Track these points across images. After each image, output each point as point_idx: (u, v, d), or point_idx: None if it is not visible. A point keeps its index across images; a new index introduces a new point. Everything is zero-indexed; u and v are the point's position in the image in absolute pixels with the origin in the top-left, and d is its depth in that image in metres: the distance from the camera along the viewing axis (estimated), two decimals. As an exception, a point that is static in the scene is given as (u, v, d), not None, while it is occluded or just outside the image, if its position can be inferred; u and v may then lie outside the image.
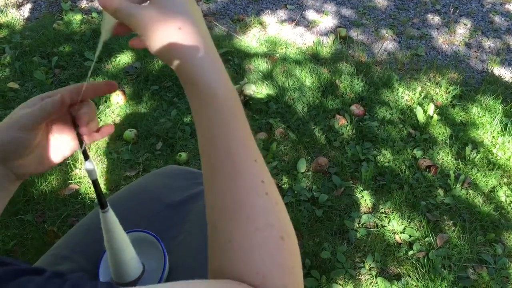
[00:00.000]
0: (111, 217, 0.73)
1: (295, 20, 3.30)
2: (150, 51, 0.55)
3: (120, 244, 0.76)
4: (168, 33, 0.52)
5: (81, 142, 0.68)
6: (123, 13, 0.53)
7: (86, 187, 2.05)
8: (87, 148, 0.69)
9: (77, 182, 2.07)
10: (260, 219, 0.52)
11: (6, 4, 3.28)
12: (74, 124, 0.68)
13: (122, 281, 0.80)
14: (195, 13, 0.55)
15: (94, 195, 2.01)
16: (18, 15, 3.22)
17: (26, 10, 3.29)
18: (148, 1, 0.54)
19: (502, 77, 2.93)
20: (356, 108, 2.49)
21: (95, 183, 0.69)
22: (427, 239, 1.92)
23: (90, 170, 0.67)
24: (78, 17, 3.13)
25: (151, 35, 0.53)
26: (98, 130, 0.71)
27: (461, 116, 2.54)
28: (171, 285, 0.48)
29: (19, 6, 3.31)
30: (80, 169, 2.13)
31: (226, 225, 0.52)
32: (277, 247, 0.51)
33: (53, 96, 0.64)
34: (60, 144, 0.69)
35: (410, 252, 1.87)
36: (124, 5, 0.53)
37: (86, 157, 0.67)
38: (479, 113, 2.56)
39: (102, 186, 2.05)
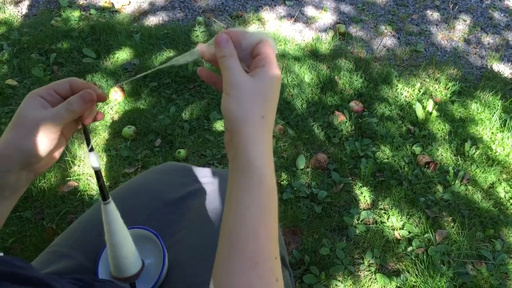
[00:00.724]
0: (113, 210, 0.73)
1: (294, 16, 3.29)
2: (222, 105, 0.56)
3: (120, 237, 0.76)
4: (252, 111, 0.54)
5: (87, 135, 0.68)
6: (227, 64, 0.55)
7: (85, 184, 2.05)
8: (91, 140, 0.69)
9: (76, 179, 2.07)
10: None
11: (4, 1, 3.27)
12: (85, 128, 0.68)
13: (121, 276, 0.80)
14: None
15: (92, 192, 2.01)
16: (16, 12, 3.21)
17: (24, 6, 3.28)
18: (250, 75, 0.56)
19: (501, 73, 2.93)
20: (355, 105, 2.49)
21: (98, 174, 0.69)
22: (426, 235, 1.91)
23: (94, 161, 0.67)
24: (76, 13, 3.12)
25: (235, 100, 0.54)
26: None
27: (460, 112, 2.54)
28: None
29: (17, 2, 3.30)
30: (78, 166, 2.12)
31: None
32: None
33: (74, 94, 0.63)
34: (64, 137, 0.68)
35: (409, 248, 1.87)
36: (233, 59, 0.56)
37: (91, 148, 0.68)
38: (478, 109, 2.56)
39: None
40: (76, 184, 2.05)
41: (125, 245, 0.79)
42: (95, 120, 0.69)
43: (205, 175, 1.10)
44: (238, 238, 0.53)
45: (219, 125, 2.35)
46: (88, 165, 2.13)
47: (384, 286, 1.75)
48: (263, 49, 0.57)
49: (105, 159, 2.16)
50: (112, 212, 0.74)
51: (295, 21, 3.27)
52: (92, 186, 2.04)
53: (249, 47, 0.58)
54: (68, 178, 2.07)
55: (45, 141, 0.60)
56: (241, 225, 0.53)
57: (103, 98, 0.66)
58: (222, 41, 0.56)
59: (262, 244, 0.53)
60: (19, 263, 0.53)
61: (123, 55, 2.78)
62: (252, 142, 0.54)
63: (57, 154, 0.67)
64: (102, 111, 2.39)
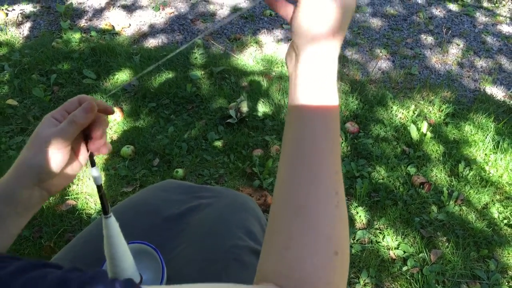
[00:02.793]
0: (113, 223, 0.75)
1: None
2: (290, 20, 0.57)
3: (119, 251, 0.78)
4: (325, 27, 0.54)
5: (91, 154, 0.71)
6: None
7: (83, 203, 2.06)
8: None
9: (74, 198, 2.09)
10: (323, 229, 0.52)
11: (6, 23, 3.33)
12: (84, 133, 0.70)
13: (120, 290, 0.81)
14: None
15: (91, 211, 2.03)
16: (18, 34, 3.27)
17: (25, 28, 3.33)
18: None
19: (494, 96, 2.98)
20: (351, 126, 2.53)
21: (99, 188, 0.72)
22: (421, 255, 1.93)
23: (96, 177, 0.70)
24: (77, 35, 3.17)
25: (307, 15, 0.54)
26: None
27: (454, 134, 2.58)
28: (204, 287, 0.49)
29: (18, 24, 3.36)
30: (77, 185, 2.14)
31: (289, 227, 0.52)
32: (330, 261, 0.51)
33: (80, 109, 0.66)
34: (75, 155, 0.72)
35: (404, 268, 1.88)
36: None
37: (93, 163, 0.71)
38: (471, 131, 2.60)
39: (99, 202, 2.06)
40: (74, 202, 2.06)
41: (124, 259, 0.81)
42: (99, 152, 0.72)
43: (203, 192, 1.12)
44: (303, 153, 0.55)
45: (216, 145, 2.38)
46: (86, 184, 2.15)
47: (379, 306, 1.76)
48: None
49: (103, 178, 2.18)
50: (113, 226, 0.76)
51: (292, 44, 3.32)
52: (90, 205, 2.06)
53: None
54: (66, 197, 2.08)
55: (55, 156, 0.63)
56: (307, 140, 0.55)
57: (110, 111, 0.70)
58: None
59: (327, 160, 0.54)
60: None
61: (122, 76, 2.83)
62: (320, 61, 0.57)
63: (70, 175, 0.71)
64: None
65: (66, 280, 0.40)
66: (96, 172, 0.70)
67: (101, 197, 0.73)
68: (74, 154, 0.71)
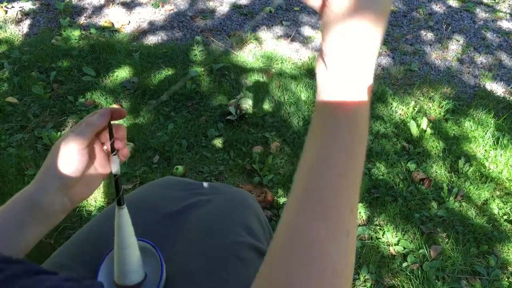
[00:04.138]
0: (126, 215, 0.77)
1: (290, 36, 3.35)
2: (328, 10, 0.49)
3: (130, 243, 0.79)
4: (364, 18, 0.48)
5: (112, 137, 0.74)
6: None
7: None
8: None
9: (75, 195, 2.08)
10: (327, 264, 0.47)
11: (5, 20, 3.32)
12: (111, 133, 0.73)
13: (124, 283, 0.82)
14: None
15: (91, 208, 2.03)
16: (17, 31, 3.26)
17: (25, 26, 3.33)
18: None
19: (494, 92, 2.98)
20: (350, 122, 2.52)
21: (117, 178, 0.74)
22: (421, 251, 1.93)
23: (116, 166, 0.73)
24: (76, 33, 3.17)
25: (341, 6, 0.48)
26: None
27: (454, 130, 2.58)
28: None
29: (18, 22, 3.35)
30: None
31: (290, 258, 0.48)
32: None
33: (97, 112, 0.71)
34: (97, 168, 0.76)
35: (404, 264, 1.88)
36: None
37: (114, 152, 0.73)
38: (471, 127, 2.60)
39: (100, 199, 2.07)
40: (74, 200, 2.06)
41: (132, 251, 0.81)
42: (122, 151, 0.76)
43: (203, 189, 1.12)
44: (319, 182, 0.50)
45: (216, 142, 2.38)
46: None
47: (379, 302, 1.76)
48: None
49: (103, 176, 2.18)
50: (125, 217, 0.77)
51: (291, 40, 3.33)
52: (90, 202, 2.06)
53: None
54: (66, 194, 2.08)
55: (74, 158, 0.67)
56: (323, 164, 0.50)
57: (124, 114, 0.75)
58: None
59: (344, 194, 0.50)
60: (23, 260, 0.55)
61: (122, 73, 2.83)
62: (353, 57, 0.50)
63: (93, 184, 0.75)
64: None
65: None
66: (116, 160, 0.73)
67: (117, 187, 0.75)
68: (92, 161, 0.74)
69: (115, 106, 2.53)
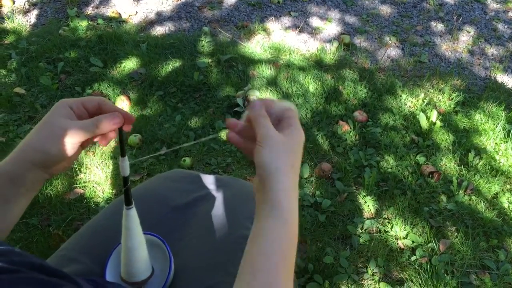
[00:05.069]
0: (134, 215, 0.76)
1: (299, 27, 3.32)
2: (254, 158, 0.63)
3: (137, 242, 0.79)
4: (284, 161, 0.61)
5: (122, 142, 0.73)
6: (262, 122, 0.63)
7: (91, 191, 2.06)
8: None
9: (82, 186, 2.09)
10: None
11: (13, 11, 3.32)
12: (120, 134, 0.73)
13: (131, 280, 0.81)
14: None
15: (98, 199, 2.03)
16: (25, 22, 3.26)
17: (32, 16, 3.32)
18: (281, 132, 0.64)
19: (505, 84, 2.94)
20: (359, 114, 2.50)
21: (126, 180, 0.73)
22: (429, 244, 1.92)
23: (124, 167, 0.72)
24: (84, 23, 3.16)
25: (269, 152, 0.61)
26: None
27: (464, 122, 2.55)
28: None
29: (25, 12, 3.35)
30: (85, 173, 2.14)
31: None
32: None
33: (105, 113, 0.69)
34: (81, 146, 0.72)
35: (413, 258, 1.87)
36: (267, 119, 0.64)
37: (123, 154, 0.72)
38: (482, 120, 2.57)
39: (107, 190, 2.07)
40: (82, 191, 2.07)
41: (140, 251, 0.81)
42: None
43: (211, 182, 1.12)
44: (259, 270, 0.57)
45: (224, 134, 2.37)
46: (94, 172, 2.15)
47: (387, 295, 1.75)
48: (290, 113, 0.67)
49: (111, 167, 2.18)
50: (133, 217, 0.77)
51: (300, 31, 3.30)
52: (98, 194, 2.06)
53: (277, 113, 0.67)
54: (74, 185, 2.09)
55: (67, 148, 0.64)
56: (264, 261, 0.57)
57: (131, 121, 0.73)
58: (258, 104, 0.65)
59: (281, 279, 0.57)
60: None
61: (129, 64, 2.82)
62: (284, 188, 0.60)
63: (72, 161, 0.71)
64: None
65: None
66: (126, 163, 0.72)
67: (126, 189, 0.73)
68: (81, 146, 0.70)
69: (123, 98, 2.52)
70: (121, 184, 2.06)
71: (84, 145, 0.71)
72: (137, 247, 0.79)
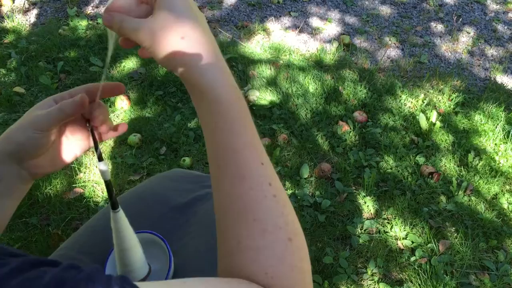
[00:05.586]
0: (122, 218, 0.74)
1: (299, 27, 3.32)
2: (156, 61, 0.57)
3: (128, 244, 0.77)
4: (171, 43, 0.54)
5: (96, 144, 0.70)
6: (127, 29, 0.55)
7: (90, 191, 2.06)
8: (101, 150, 0.71)
9: (82, 186, 2.09)
10: (268, 221, 0.52)
11: (13, 10, 3.31)
12: (89, 124, 0.69)
13: (129, 280, 0.81)
14: (199, 19, 0.56)
15: (98, 199, 2.03)
16: (24, 21, 3.26)
17: (32, 15, 3.32)
18: (151, 15, 0.56)
19: (504, 85, 2.94)
20: (359, 115, 2.50)
21: (108, 183, 0.70)
22: (429, 245, 1.92)
23: (104, 171, 0.68)
24: (83, 22, 3.16)
25: (156, 47, 0.54)
26: (115, 128, 0.73)
27: (463, 123, 2.55)
28: (182, 282, 0.49)
29: (25, 11, 3.35)
30: (84, 173, 2.14)
31: (234, 227, 0.53)
32: (285, 248, 0.52)
33: (72, 97, 0.65)
34: (72, 144, 0.71)
35: (412, 258, 1.87)
36: (127, 21, 0.55)
37: (101, 158, 0.68)
38: (481, 121, 2.57)
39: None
40: (81, 190, 2.07)
41: (133, 252, 0.80)
42: (118, 131, 0.73)
43: (211, 182, 1.11)
44: (218, 157, 0.55)
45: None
46: (93, 172, 2.15)
47: (387, 296, 1.75)
48: None
49: (110, 167, 2.18)
50: (121, 220, 0.75)
51: (300, 32, 3.30)
52: (97, 193, 2.06)
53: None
54: (74, 185, 2.08)
55: (35, 137, 0.62)
56: (217, 144, 0.55)
57: (121, 90, 0.70)
58: (106, 17, 0.56)
59: (243, 155, 0.54)
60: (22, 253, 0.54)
61: (129, 64, 2.81)
62: (189, 66, 0.55)
63: (59, 161, 0.70)
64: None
65: (62, 280, 0.38)
66: (104, 166, 0.68)
67: (109, 192, 0.71)
68: (63, 141, 0.69)
69: (123, 97, 2.52)
70: (120, 184, 2.06)
71: (79, 148, 0.71)
72: (130, 248, 0.78)
